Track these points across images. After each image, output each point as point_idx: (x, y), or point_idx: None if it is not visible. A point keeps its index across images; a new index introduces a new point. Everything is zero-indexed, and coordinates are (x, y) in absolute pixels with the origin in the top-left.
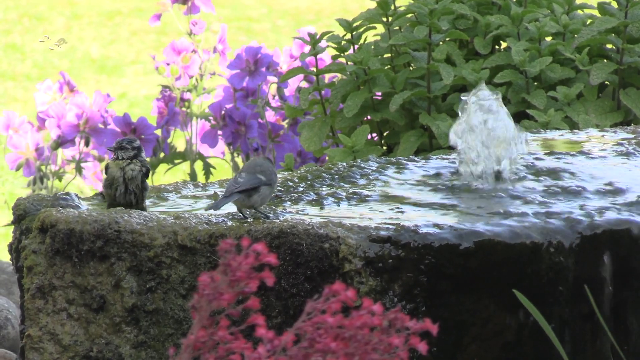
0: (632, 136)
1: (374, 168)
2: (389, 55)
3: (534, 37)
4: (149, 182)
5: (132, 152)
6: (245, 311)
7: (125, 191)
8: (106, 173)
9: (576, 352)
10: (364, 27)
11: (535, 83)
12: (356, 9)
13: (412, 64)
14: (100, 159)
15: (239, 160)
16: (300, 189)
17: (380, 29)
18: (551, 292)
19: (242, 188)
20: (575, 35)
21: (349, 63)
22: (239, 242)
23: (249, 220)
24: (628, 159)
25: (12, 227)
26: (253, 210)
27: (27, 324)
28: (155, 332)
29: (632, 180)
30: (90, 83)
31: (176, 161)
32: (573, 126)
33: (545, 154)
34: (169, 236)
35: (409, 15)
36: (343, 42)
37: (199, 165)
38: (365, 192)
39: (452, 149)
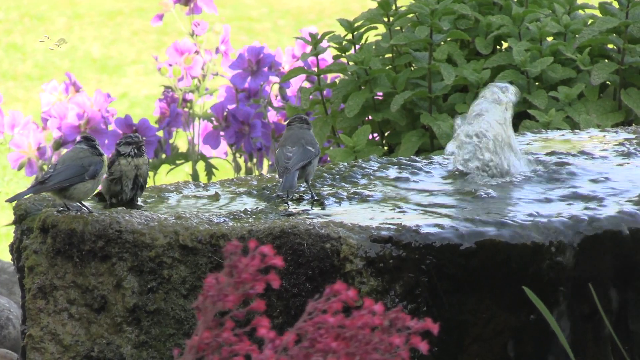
0: (633, 136)
1: (375, 168)
2: (390, 55)
3: (535, 37)
4: (150, 182)
5: (142, 147)
6: (249, 312)
7: (132, 186)
8: (109, 169)
9: (577, 352)
10: (365, 27)
11: (537, 83)
12: (358, 9)
13: (413, 64)
14: None
15: (241, 160)
16: (302, 189)
17: (382, 29)
18: (552, 292)
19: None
20: (577, 35)
21: (350, 63)
22: (245, 244)
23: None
24: (629, 159)
25: (14, 227)
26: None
27: (29, 324)
28: (156, 332)
29: (633, 180)
30: (91, 83)
31: (178, 162)
32: (574, 126)
33: (547, 154)
34: (170, 236)
35: (410, 16)
36: (344, 42)
37: (201, 165)
38: (366, 192)
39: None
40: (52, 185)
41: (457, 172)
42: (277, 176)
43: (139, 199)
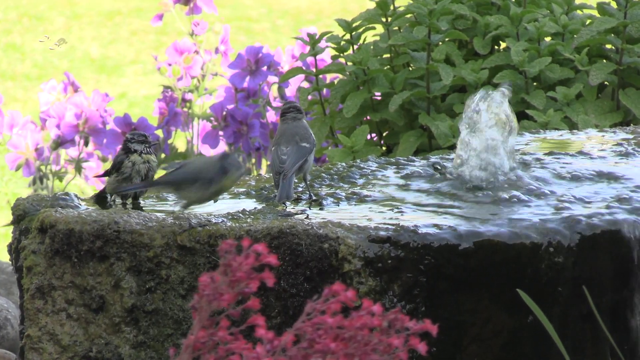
0: (632, 136)
1: (373, 168)
2: (388, 55)
3: (533, 38)
4: None
5: (152, 145)
6: (245, 311)
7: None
8: (119, 169)
9: (575, 352)
10: (364, 28)
11: (535, 83)
12: (356, 9)
13: (411, 64)
14: (104, 159)
15: (240, 160)
16: (300, 189)
17: (380, 29)
18: (550, 292)
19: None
20: (575, 36)
21: (349, 63)
22: (240, 243)
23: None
24: (627, 159)
25: (12, 227)
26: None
27: (27, 324)
28: (154, 333)
29: (631, 180)
30: (90, 83)
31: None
32: (572, 126)
33: (545, 154)
34: (169, 236)
35: (408, 16)
36: (342, 43)
37: None
38: (364, 192)
39: (451, 149)
40: (163, 181)
41: (455, 172)
42: (273, 176)
43: (140, 201)
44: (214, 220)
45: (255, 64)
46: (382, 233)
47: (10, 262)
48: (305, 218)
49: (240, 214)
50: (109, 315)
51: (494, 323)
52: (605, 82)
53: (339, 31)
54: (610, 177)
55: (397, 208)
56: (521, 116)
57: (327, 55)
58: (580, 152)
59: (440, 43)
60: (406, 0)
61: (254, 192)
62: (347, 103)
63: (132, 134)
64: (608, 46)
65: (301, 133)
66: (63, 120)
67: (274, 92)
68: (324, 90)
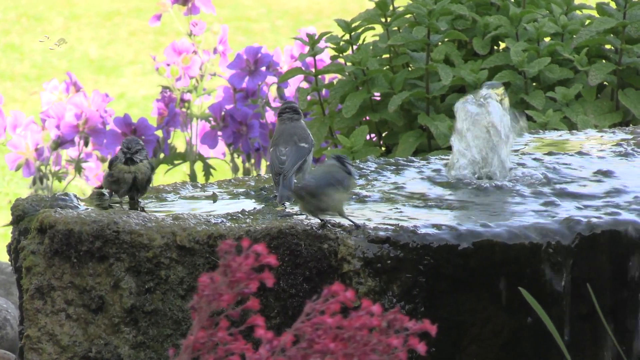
0: (631, 137)
1: (372, 169)
2: (388, 55)
3: (533, 38)
4: None
5: (144, 152)
6: (245, 312)
7: (130, 190)
8: (110, 171)
9: (575, 352)
10: (363, 28)
11: (534, 83)
12: (356, 9)
13: (410, 65)
14: (103, 160)
15: (239, 161)
16: None
17: (379, 29)
18: (550, 293)
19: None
20: (574, 36)
21: (348, 63)
22: (239, 243)
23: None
24: (627, 159)
25: (11, 227)
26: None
27: (26, 324)
28: (154, 333)
29: (631, 181)
30: (88, 83)
31: (176, 162)
32: (572, 127)
33: (544, 154)
34: (168, 237)
35: (408, 16)
36: (342, 43)
37: (199, 166)
38: (364, 192)
39: (451, 149)
40: (304, 187)
41: (454, 173)
42: (272, 177)
43: (139, 200)
44: (213, 221)
45: (254, 64)
46: (381, 233)
47: (10, 263)
48: (304, 218)
49: (240, 214)
50: (109, 315)
51: (494, 323)
52: (605, 83)
53: (338, 31)
54: (609, 178)
55: (396, 208)
56: None
57: (326, 55)
58: (580, 153)
59: (439, 43)
60: (405, 1)
61: (253, 193)
62: (347, 103)
63: (123, 142)
64: (607, 46)
65: (299, 133)
66: (63, 120)
67: (273, 92)
68: (323, 91)
